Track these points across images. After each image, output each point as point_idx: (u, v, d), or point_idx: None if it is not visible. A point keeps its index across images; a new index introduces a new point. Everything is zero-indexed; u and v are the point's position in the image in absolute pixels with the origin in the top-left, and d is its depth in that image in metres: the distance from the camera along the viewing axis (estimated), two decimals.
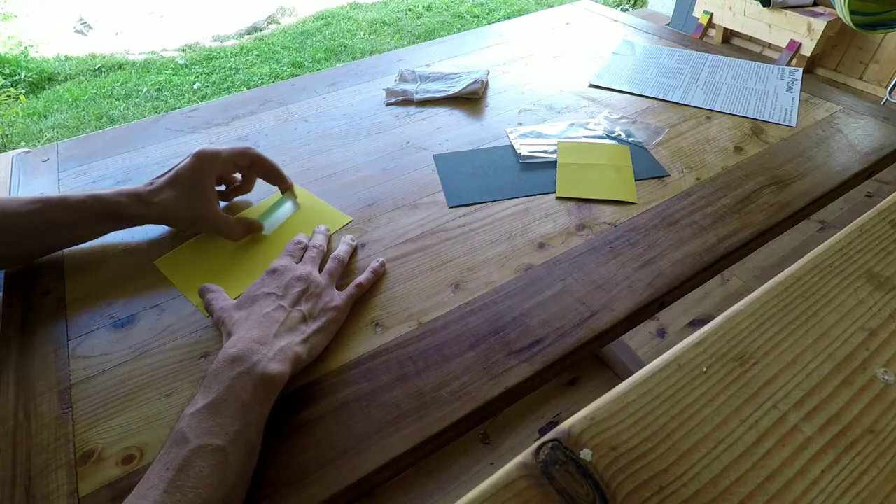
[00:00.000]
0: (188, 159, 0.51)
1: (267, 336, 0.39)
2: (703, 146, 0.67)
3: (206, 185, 0.51)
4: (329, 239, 0.54)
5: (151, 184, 0.51)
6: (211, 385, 0.35)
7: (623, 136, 0.69)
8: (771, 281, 0.29)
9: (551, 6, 1.28)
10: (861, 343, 0.26)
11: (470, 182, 0.62)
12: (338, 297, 0.45)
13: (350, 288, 0.47)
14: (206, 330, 0.46)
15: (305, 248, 0.50)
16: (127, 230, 0.55)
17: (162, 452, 0.32)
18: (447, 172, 0.64)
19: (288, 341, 0.40)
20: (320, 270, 0.48)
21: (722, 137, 0.69)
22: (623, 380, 0.24)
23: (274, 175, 0.57)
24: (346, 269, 0.51)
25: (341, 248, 0.51)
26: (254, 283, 0.45)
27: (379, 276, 0.50)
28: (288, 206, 0.58)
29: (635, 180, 0.61)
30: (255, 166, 0.57)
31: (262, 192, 0.61)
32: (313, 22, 3.45)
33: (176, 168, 0.51)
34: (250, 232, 0.54)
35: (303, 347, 0.40)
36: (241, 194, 0.60)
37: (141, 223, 0.53)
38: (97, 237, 0.53)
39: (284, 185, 0.58)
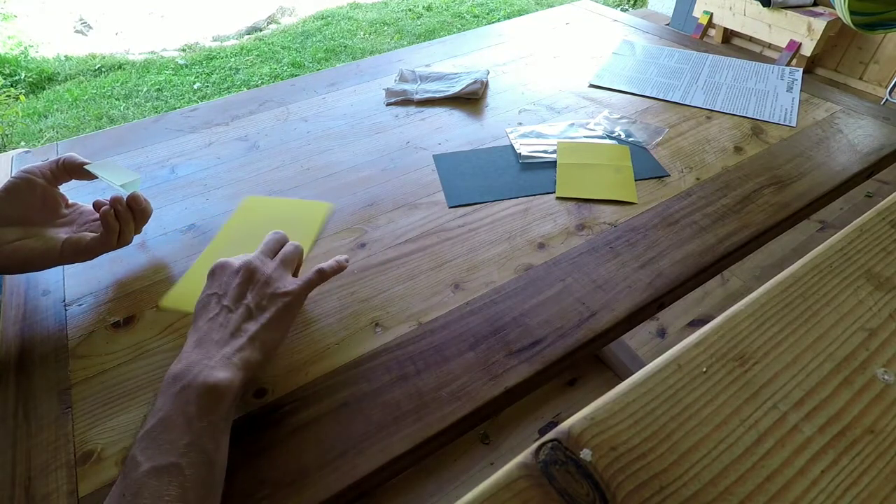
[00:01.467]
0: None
1: (210, 346, 0.37)
2: (703, 146, 0.67)
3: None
4: (286, 240, 0.48)
5: None
6: (157, 404, 0.34)
7: (623, 136, 0.69)
8: (771, 281, 0.29)
9: (551, 6, 1.28)
10: (861, 343, 0.26)
11: (470, 182, 0.62)
12: (291, 283, 0.42)
13: (309, 273, 0.44)
14: None
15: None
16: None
17: (118, 480, 0.31)
18: (447, 172, 0.64)
19: (232, 347, 0.37)
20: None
21: (722, 137, 0.69)
22: (623, 380, 0.24)
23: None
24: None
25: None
26: (203, 288, 0.43)
27: (342, 268, 0.46)
28: (121, 177, 0.53)
29: (635, 180, 0.61)
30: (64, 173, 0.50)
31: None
32: (313, 22, 3.46)
33: None
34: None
35: (249, 350, 0.38)
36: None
37: None
38: None
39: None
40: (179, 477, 0.31)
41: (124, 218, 0.49)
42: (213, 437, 0.34)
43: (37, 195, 0.48)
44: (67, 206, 0.52)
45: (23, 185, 0.48)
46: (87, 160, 0.51)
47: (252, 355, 0.38)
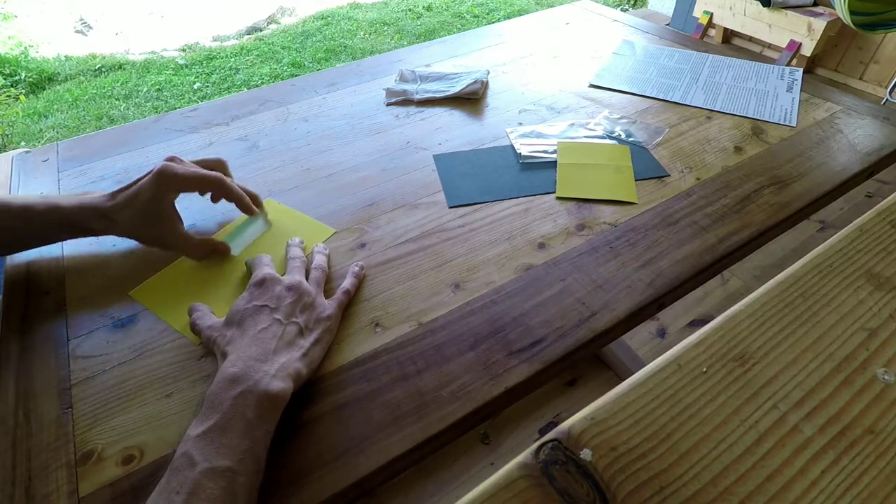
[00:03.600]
0: (149, 177, 0.49)
1: (266, 352, 0.38)
2: (703, 146, 0.67)
3: (165, 206, 0.50)
4: (304, 248, 0.53)
5: (114, 197, 0.49)
6: (213, 407, 0.34)
7: (623, 136, 0.69)
8: (771, 281, 0.29)
9: (551, 6, 1.28)
10: (861, 343, 0.26)
11: (470, 182, 0.62)
12: (329, 307, 0.44)
13: (339, 295, 0.46)
14: None
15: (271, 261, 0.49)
16: None
17: (167, 476, 0.32)
18: (447, 172, 0.64)
19: (287, 357, 0.39)
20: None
21: (722, 137, 0.69)
22: (623, 380, 0.24)
23: (240, 204, 0.54)
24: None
25: (319, 259, 0.50)
26: (241, 298, 0.43)
27: (361, 279, 0.49)
28: (257, 226, 0.56)
29: (635, 180, 0.61)
30: (219, 193, 0.53)
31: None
32: (313, 22, 3.45)
33: (137, 184, 0.49)
34: (215, 252, 0.53)
35: (302, 363, 0.39)
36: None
37: (103, 235, 0.52)
38: (56, 242, 0.54)
39: (251, 213, 0.55)
40: (233, 483, 0.31)
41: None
42: (265, 445, 0.34)
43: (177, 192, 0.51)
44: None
45: (166, 203, 0.50)
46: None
47: (303, 369, 0.39)
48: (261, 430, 0.34)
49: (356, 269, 0.50)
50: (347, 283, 0.48)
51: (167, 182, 0.49)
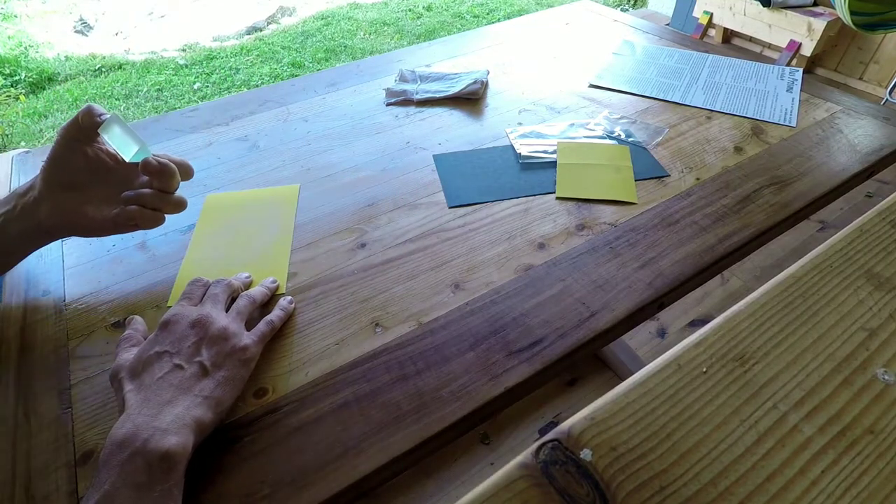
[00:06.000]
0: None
1: (160, 405, 0.35)
2: (703, 146, 0.67)
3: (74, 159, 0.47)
4: (247, 284, 0.49)
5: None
6: (101, 476, 0.31)
7: (623, 136, 0.69)
8: (771, 281, 0.29)
9: (551, 6, 1.28)
10: (861, 343, 0.26)
11: (470, 182, 0.62)
12: (247, 337, 0.41)
13: (261, 325, 0.43)
14: None
15: (207, 287, 0.45)
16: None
17: None
18: (447, 172, 0.64)
19: (184, 407, 0.35)
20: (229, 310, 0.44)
21: (722, 137, 0.69)
22: (623, 380, 0.24)
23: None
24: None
25: (256, 290, 0.47)
26: (148, 339, 0.40)
27: (289, 314, 0.47)
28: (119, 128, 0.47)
29: (635, 180, 0.61)
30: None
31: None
32: (313, 22, 3.45)
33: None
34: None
35: (202, 409, 0.36)
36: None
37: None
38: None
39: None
40: None
41: (153, 202, 0.48)
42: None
43: (79, 158, 0.47)
44: (118, 162, 0.49)
45: (62, 150, 0.46)
46: (103, 115, 0.46)
47: (206, 415, 0.36)
48: (155, 491, 0.31)
49: (285, 302, 0.47)
50: (273, 314, 0.45)
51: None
